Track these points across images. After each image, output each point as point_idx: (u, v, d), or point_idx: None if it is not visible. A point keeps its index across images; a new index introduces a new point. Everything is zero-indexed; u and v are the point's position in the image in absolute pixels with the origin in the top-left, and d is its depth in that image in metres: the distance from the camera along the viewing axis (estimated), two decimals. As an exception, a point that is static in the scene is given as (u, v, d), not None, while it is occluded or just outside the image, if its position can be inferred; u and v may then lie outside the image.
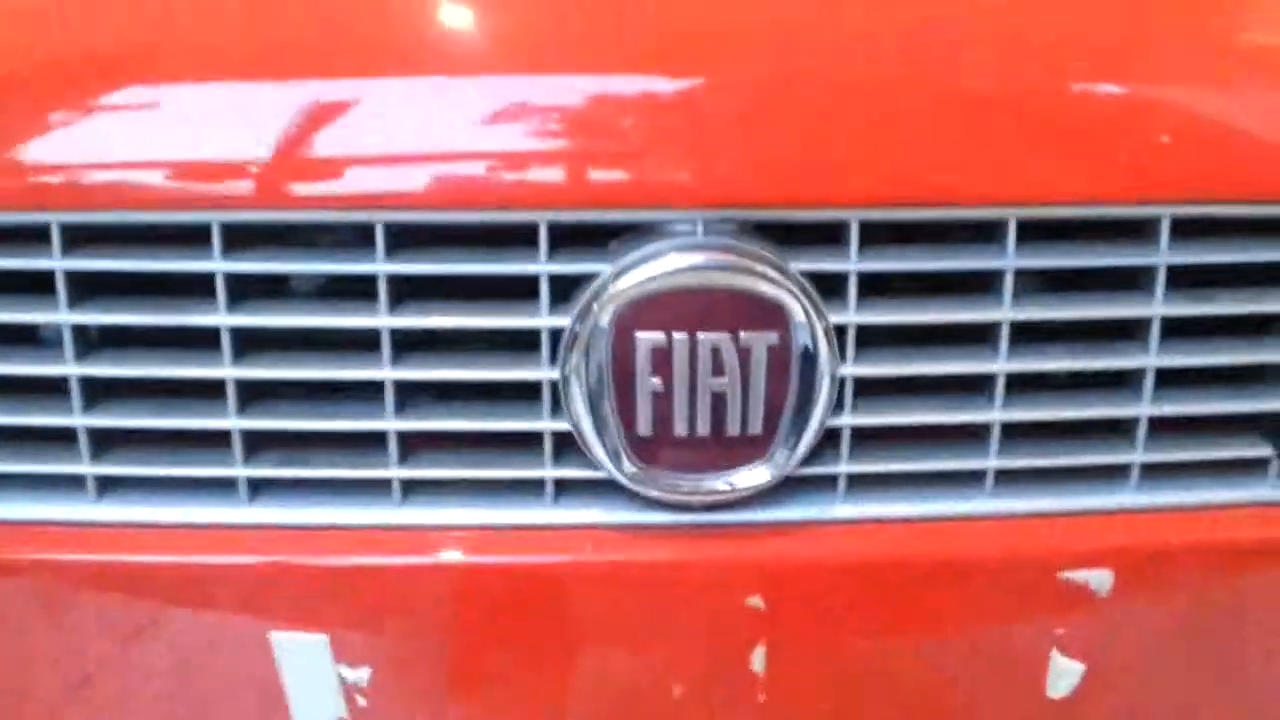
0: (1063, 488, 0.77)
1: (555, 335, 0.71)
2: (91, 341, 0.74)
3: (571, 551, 0.74)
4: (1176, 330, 0.74)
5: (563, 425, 0.72)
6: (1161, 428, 0.76)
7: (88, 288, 0.72)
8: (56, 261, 0.70)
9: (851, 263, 0.71)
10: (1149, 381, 0.74)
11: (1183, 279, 0.73)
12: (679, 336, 0.69)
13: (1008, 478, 0.76)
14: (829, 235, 0.71)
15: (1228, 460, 0.78)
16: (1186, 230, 0.72)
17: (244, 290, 0.72)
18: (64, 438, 0.74)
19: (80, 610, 0.74)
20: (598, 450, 0.72)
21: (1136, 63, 0.72)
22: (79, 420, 0.73)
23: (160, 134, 0.69)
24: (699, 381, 0.70)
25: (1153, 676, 0.78)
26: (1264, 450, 0.77)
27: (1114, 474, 0.77)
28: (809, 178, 0.69)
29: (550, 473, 0.74)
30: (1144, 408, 0.75)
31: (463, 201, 0.69)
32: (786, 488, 0.74)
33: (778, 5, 0.73)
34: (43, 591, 0.75)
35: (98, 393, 0.74)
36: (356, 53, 0.71)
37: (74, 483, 0.75)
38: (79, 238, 0.71)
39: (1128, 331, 0.75)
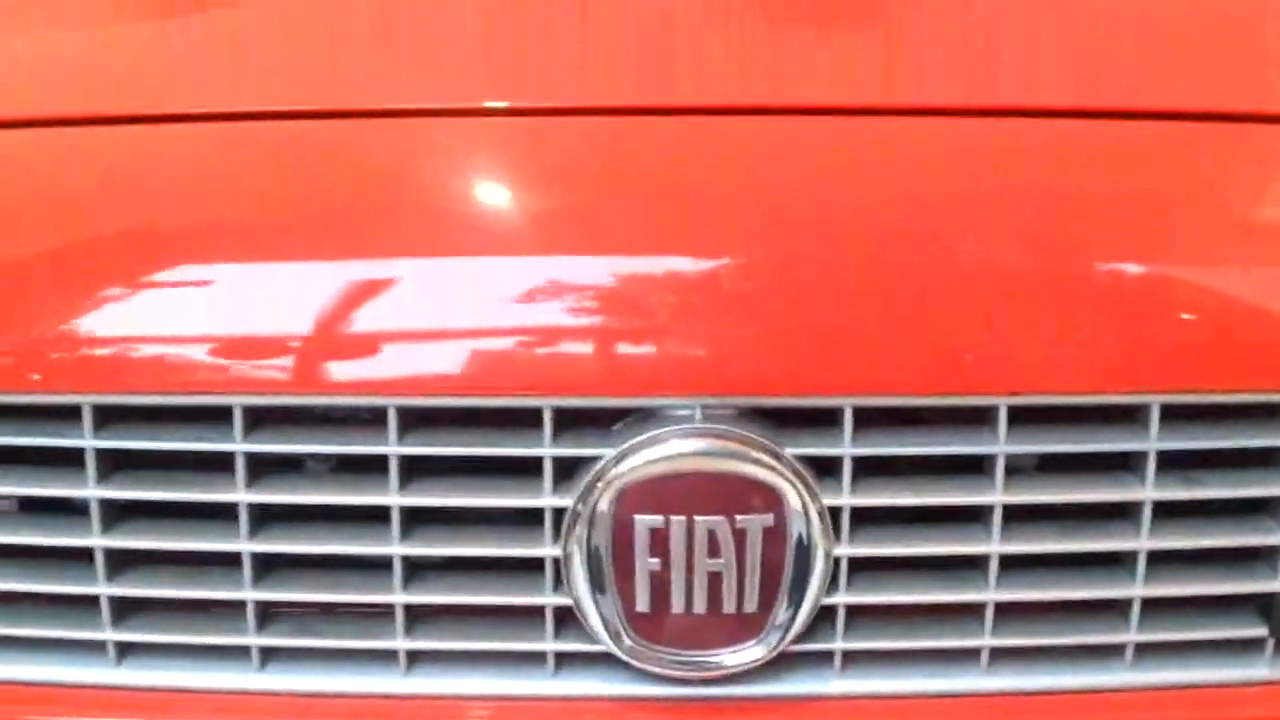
0: (1058, 665, 0.78)
1: (558, 514, 0.73)
2: (117, 511, 0.77)
3: (572, 722, 0.76)
4: (1167, 511, 0.75)
5: (564, 600, 0.74)
6: (1156, 607, 0.77)
7: (112, 460, 0.76)
8: (88, 441, 0.74)
9: (845, 447, 0.73)
10: (1141, 563, 0.76)
11: (1174, 460, 0.75)
12: (677, 519, 0.72)
13: (1002, 655, 0.77)
14: (825, 418, 0.74)
15: (1223, 640, 0.78)
16: (1177, 415, 0.74)
17: (263, 465, 0.75)
18: (86, 603, 0.77)
19: (97, 772, 0.77)
20: (597, 625, 0.74)
21: (1121, 254, 0.74)
22: (103, 589, 0.76)
23: (183, 320, 0.72)
24: (695, 562, 0.72)
25: None
26: (1258, 630, 0.78)
27: (1109, 653, 0.78)
28: (804, 367, 0.72)
29: (552, 646, 0.76)
30: (1137, 589, 0.76)
31: (471, 387, 0.72)
32: (783, 663, 0.76)
33: (773, 203, 0.76)
34: (61, 752, 0.77)
35: (120, 561, 0.77)
36: (369, 241, 0.74)
37: (95, 647, 0.78)
38: (108, 415, 0.75)
39: (1121, 510, 0.77)
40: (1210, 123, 0.79)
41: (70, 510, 0.78)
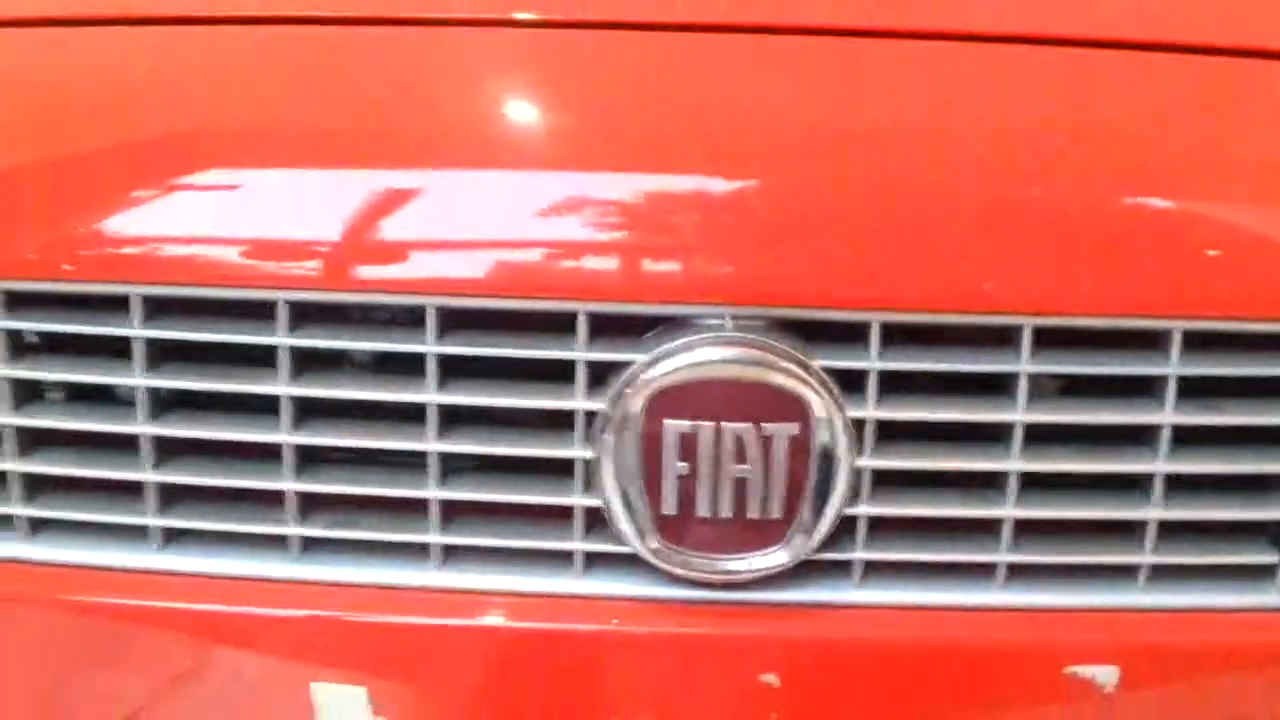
0: (1072, 584, 0.79)
1: (590, 417, 0.76)
2: (162, 402, 0.80)
3: (597, 621, 0.78)
4: (1187, 437, 0.77)
5: (594, 501, 0.77)
6: (1171, 530, 0.79)
7: (160, 352, 0.78)
8: (135, 330, 0.76)
9: (872, 361, 0.75)
10: (1158, 486, 0.77)
11: (1194, 387, 0.76)
12: (705, 424, 0.74)
13: (1019, 572, 0.79)
14: (853, 333, 0.75)
15: (1235, 565, 0.80)
16: (1198, 341, 0.75)
17: (305, 360, 0.78)
18: (132, 490, 0.80)
19: (136, 651, 0.80)
20: (625, 527, 0.76)
21: (1150, 181, 0.75)
22: (149, 476, 0.79)
23: (231, 217, 0.75)
24: (723, 467, 0.74)
25: (1154, 772, 0.80)
26: (1270, 556, 0.80)
27: (1123, 573, 0.80)
28: (835, 280, 0.73)
29: (580, 545, 0.78)
30: (1153, 511, 0.78)
31: (509, 290, 0.74)
32: (803, 571, 0.78)
33: (812, 117, 0.77)
34: (104, 632, 0.80)
35: (166, 451, 0.80)
36: (413, 147, 0.76)
37: (139, 532, 0.81)
38: (155, 307, 0.77)
39: (1139, 435, 0.78)
40: (1239, 57, 0.79)
41: (116, 400, 0.81)
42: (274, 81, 0.81)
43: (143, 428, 0.78)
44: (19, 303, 0.77)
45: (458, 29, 0.81)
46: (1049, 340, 0.75)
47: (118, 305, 0.77)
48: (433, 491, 0.78)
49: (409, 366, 0.76)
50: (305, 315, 0.76)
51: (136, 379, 0.77)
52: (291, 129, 0.79)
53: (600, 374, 0.76)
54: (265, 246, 0.74)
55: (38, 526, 0.82)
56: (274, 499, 0.79)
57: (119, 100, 0.80)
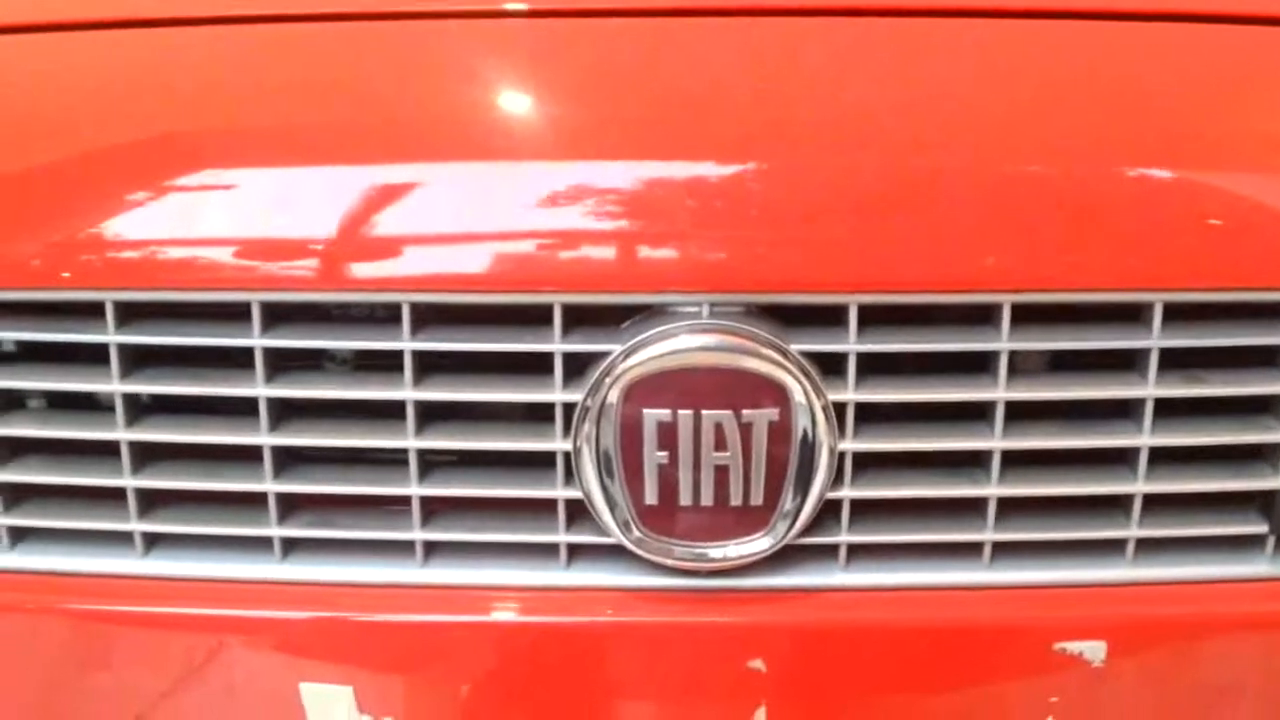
0: (1059, 560, 0.79)
1: (569, 409, 0.75)
2: (141, 407, 0.79)
3: (583, 612, 0.78)
4: (1171, 409, 0.77)
5: (575, 493, 0.76)
6: (1157, 503, 0.79)
7: (138, 356, 0.78)
8: (111, 336, 0.76)
9: (850, 344, 0.74)
10: (1143, 459, 0.77)
11: (1177, 358, 0.76)
12: (684, 413, 0.73)
13: (1004, 550, 0.79)
14: (831, 316, 0.75)
15: (1223, 536, 0.80)
16: (1179, 313, 0.75)
17: (282, 360, 0.77)
18: (113, 496, 0.80)
19: (121, 657, 0.80)
20: (607, 517, 0.76)
21: (1126, 153, 0.74)
22: (129, 481, 0.79)
23: (203, 219, 0.74)
24: (703, 455, 0.74)
25: (1144, 746, 0.80)
26: (1259, 526, 0.79)
27: (1110, 548, 0.79)
28: (810, 264, 0.73)
29: (563, 538, 0.78)
30: (1138, 485, 0.77)
31: (483, 284, 0.73)
32: (788, 555, 0.78)
33: (781, 101, 0.76)
34: (89, 638, 0.80)
35: (144, 455, 0.79)
36: (382, 142, 0.76)
37: (121, 538, 0.80)
38: (130, 312, 0.77)
39: (1123, 408, 0.78)
40: (1213, 23, 0.79)
41: (97, 407, 0.80)
42: (243, 82, 0.80)
43: (121, 433, 0.78)
44: (-6, 311, 0.77)
45: (429, 21, 0.81)
46: (1029, 316, 0.74)
47: (93, 311, 0.76)
48: (413, 488, 0.77)
49: (386, 363, 0.76)
50: (280, 316, 0.76)
51: (114, 385, 0.77)
52: (260, 129, 0.78)
53: (578, 365, 0.75)
54: (238, 248, 0.74)
55: (19, 535, 0.82)
56: (255, 500, 0.79)
57: (87, 107, 0.80)
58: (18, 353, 0.80)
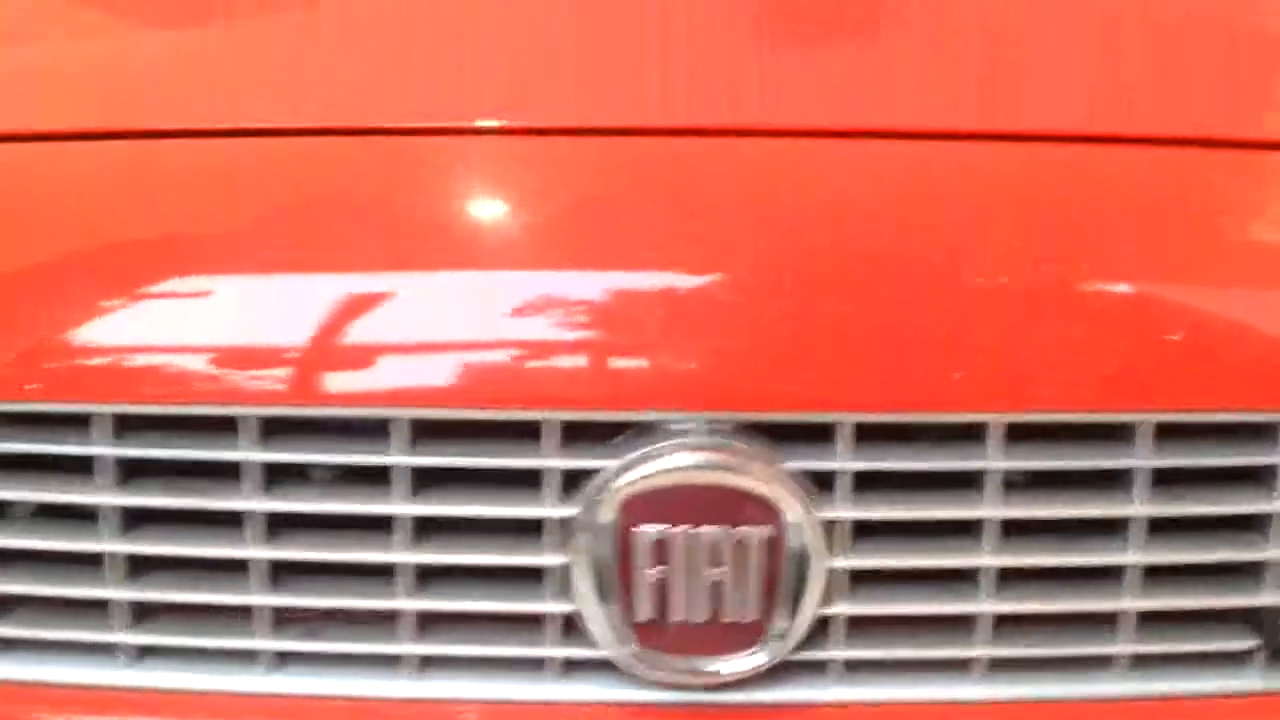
0: (1052, 675, 0.79)
1: (562, 524, 0.75)
2: (130, 518, 0.79)
3: (577, 727, 0.77)
4: (1160, 526, 0.77)
5: (568, 607, 0.76)
6: (1149, 619, 0.79)
7: (124, 468, 0.77)
8: (101, 449, 0.75)
9: (843, 462, 0.74)
10: (1134, 577, 0.77)
11: (1166, 477, 0.76)
12: (678, 530, 0.73)
13: (998, 665, 0.79)
14: (822, 434, 0.75)
15: (1216, 652, 0.80)
16: (1168, 433, 0.75)
17: (274, 473, 0.77)
18: (101, 607, 0.79)
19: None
20: (600, 633, 0.76)
21: (1115, 277, 0.75)
22: (117, 593, 0.78)
23: (192, 331, 0.74)
24: (697, 571, 0.74)
25: None
26: (1249, 642, 0.79)
27: (1102, 664, 0.79)
28: (802, 383, 0.73)
29: (556, 652, 0.78)
30: (1129, 602, 0.77)
31: (475, 400, 0.73)
32: (783, 671, 0.77)
33: (771, 221, 0.77)
34: (76, 751, 0.79)
35: (133, 566, 0.79)
36: (371, 255, 0.76)
37: (109, 650, 0.80)
38: (121, 423, 0.76)
39: (1114, 524, 0.78)
40: (1201, 148, 0.80)
41: (83, 516, 0.80)
42: (237, 194, 0.80)
43: (111, 545, 0.77)
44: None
45: (418, 138, 0.81)
46: (1020, 435, 0.75)
47: (82, 422, 0.76)
48: (405, 602, 0.77)
49: (378, 477, 0.76)
50: (273, 429, 0.76)
51: (104, 497, 0.76)
52: (252, 241, 0.78)
53: (571, 480, 0.75)
54: (229, 360, 0.74)
55: (5, 645, 0.81)
56: (245, 613, 0.78)
57: (73, 215, 0.80)
58: (2, 462, 0.79)
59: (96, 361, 0.75)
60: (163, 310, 0.75)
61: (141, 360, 0.75)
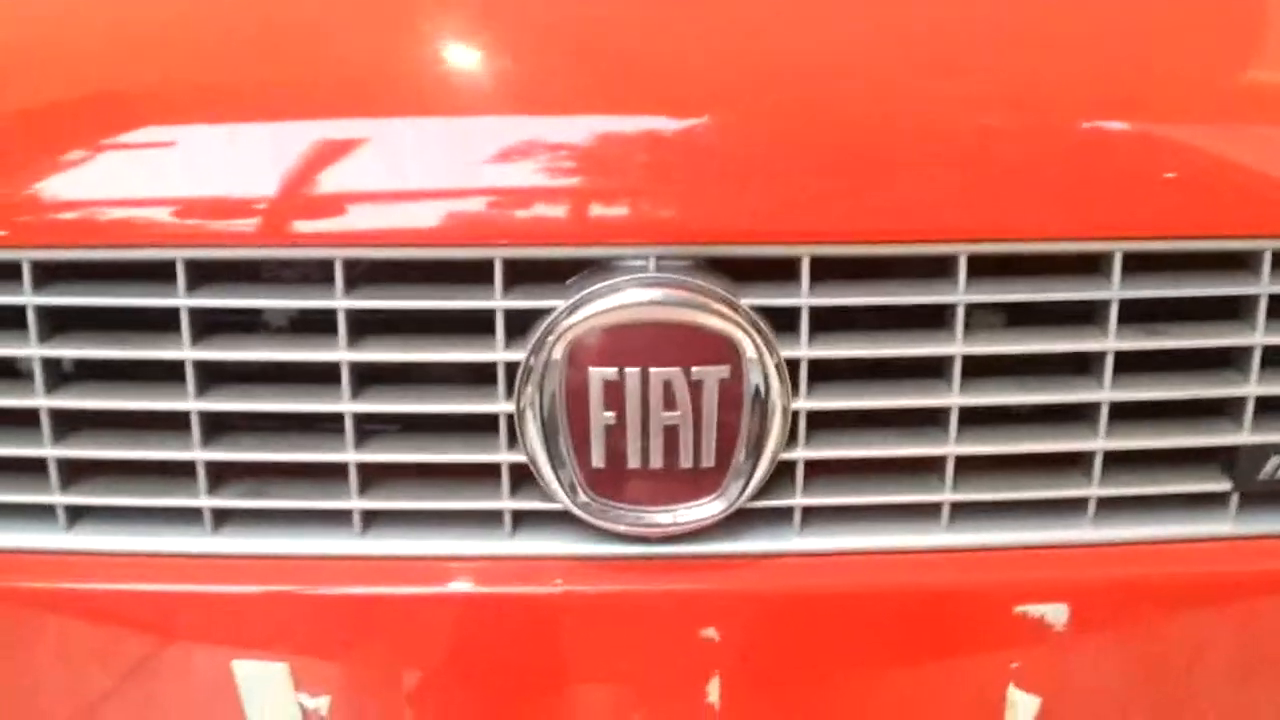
0: (1018, 521, 0.77)
1: (511, 369, 0.72)
2: (63, 373, 0.76)
3: (529, 582, 0.75)
4: (1132, 364, 0.75)
5: (520, 458, 0.73)
6: (1119, 461, 0.77)
7: (59, 321, 0.74)
8: (28, 297, 0.72)
9: (803, 298, 0.71)
10: (1104, 415, 0.75)
11: (1137, 312, 0.74)
12: (631, 371, 0.70)
13: (963, 511, 0.77)
14: (783, 270, 0.72)
15: (1186, 494, 0.78)
16: (1139, 264, 0.73)
17: (212, 323, 0.74)
18: (34, 468, 0.76)
19: (46, 636, 0.76)
20: (553, 483, 0.73)
21: (1085, 100, 0.72)
22: (50, 451, 0.75)
23: (125, 174, 0.71)
24: (651, 415, 0.71)
25: (1109, 710, 0.78)
26: (1223, 484, 0.77)
27: (1070, 508, 0.77)
28: (760, 215, 0.70)
29: (508, 504, 0.75)
30: (1099, 442, 0.75)
31: (420, 239, 0.70)
32: (741, 520, 0.75)
33: (726, 48, 0.74)
34: (13, 617, 0.76)
35: (68, 424, 0.76)
36: (312, 96, 0.73)
37: (44, 512, 0.77)
38: (50, 273, 0.73)
39: (1083, 364, 0.76)
40: None
41: (16, 374, 0.77)
42: (168, 35, 0.76)
43: (40, 400, 0.74)
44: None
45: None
46: (986, 269, 0.72)
47: (9, 273, 0.72)
48: (350, 455, 0.74)
49: (319, 324, 0.73)
50: (207, 274, 0.72)
51: (31, 349, 0.73)
52: (185, 81, 0.75)
53: (521, 323, 0.72)
54: (163, 204, 0.70)
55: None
56: (184, 470, 0.75)
57: (6, 62, 0.76)
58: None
59: (23, 208, 0.71)
60: (93, 155, 0.72)
61: (71, 206, 0.71)
